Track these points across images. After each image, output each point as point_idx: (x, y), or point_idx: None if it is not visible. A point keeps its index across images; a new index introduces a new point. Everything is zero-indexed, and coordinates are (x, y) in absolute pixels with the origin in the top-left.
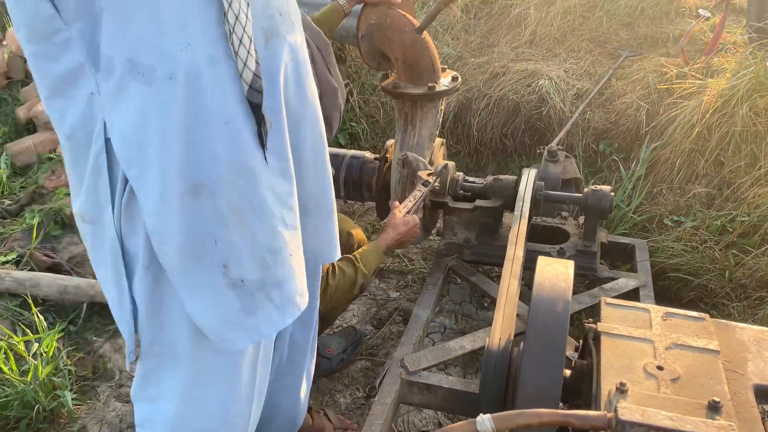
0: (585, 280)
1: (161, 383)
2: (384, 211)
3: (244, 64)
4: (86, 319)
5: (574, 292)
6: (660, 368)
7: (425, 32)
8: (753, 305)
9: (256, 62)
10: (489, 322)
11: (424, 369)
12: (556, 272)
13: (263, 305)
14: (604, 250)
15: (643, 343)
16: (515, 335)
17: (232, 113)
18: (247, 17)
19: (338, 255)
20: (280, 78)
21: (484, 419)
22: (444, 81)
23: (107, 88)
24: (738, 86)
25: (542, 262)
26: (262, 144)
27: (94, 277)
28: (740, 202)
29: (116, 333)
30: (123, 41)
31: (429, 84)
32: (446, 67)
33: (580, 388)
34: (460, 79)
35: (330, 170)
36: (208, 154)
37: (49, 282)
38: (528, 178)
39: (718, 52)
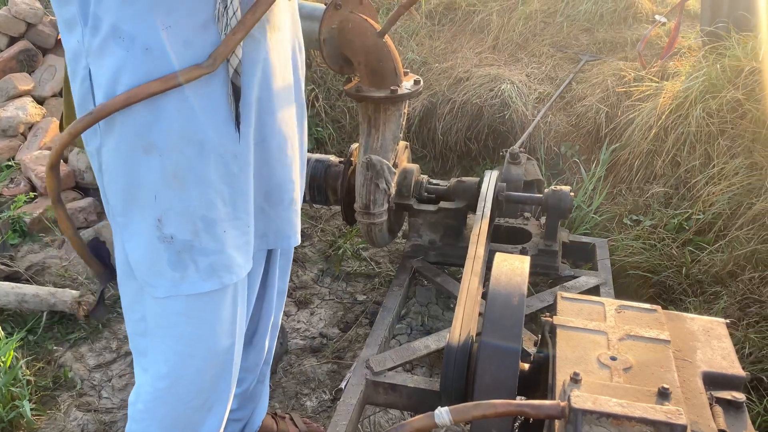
0: (548, 279)
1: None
2: (349, 214)
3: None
4: (46, 328)
5: (537, 291)
6: (613, 358)
7: (387, 36)
8: (708, 300)
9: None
10: None
11: (389, 369)
12: (512, 267)
13: (186, 266)
14: (565, 250)
15: (598, 335)
16: (478, 333)
17: (200, 90)
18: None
19: (297, 241)
20: (258, 68)
21: (442, 412)
22: (406, 84)
23: (92, 43)
24: (692, 88)
25: (499, 257)
26: (237, 124)
27: (54, 286)
28: (695, 200)
29: (77, 341)
30: (111, 8)
31: (391, 87)
32: (408, 71)
33: (539, 380)
34: (422, 82)
35: (298, 164)
36: (166, 121)
37: (6, 291)
38: (490, 180)
39: (674, 56)
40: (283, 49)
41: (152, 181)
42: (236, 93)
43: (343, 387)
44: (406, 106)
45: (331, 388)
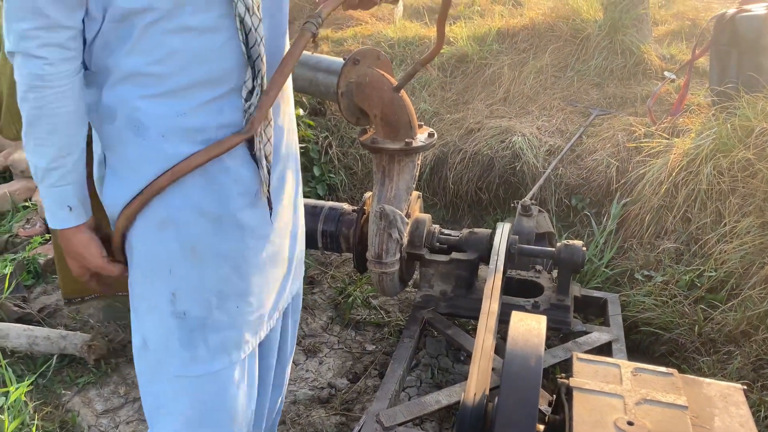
0: (559, 333)
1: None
2: (361, 262)
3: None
4: (56, 371)
5: (548, 346)
6: (630, 423)
7: (403, 90)
8: (722, 360)
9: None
10: (465, 376)
11: (399, 424)
12: (528, 328)
13: (197, 345)
14: (577, 304)
15: (614, 398)
16: (491, 389)
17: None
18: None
19: (300, 290)
20: (282, 134)
21: None
22: (420, 137)
23: (107, 131)
24: (702, 146)
25: (515, 317)
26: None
27: (65, 328)
28: (707, 257)
29: (86, 386)
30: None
31: (406, 140)
32: (423, 123)
33: None
34: (436, 135)
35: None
36: (183, 194)
37: (18, 333)
38: (502, 232)
39: (684, 113)
40: (289, 110)
41: (168, 254)
42: (257, 162)
43: None
44: (420, 157)
45: None
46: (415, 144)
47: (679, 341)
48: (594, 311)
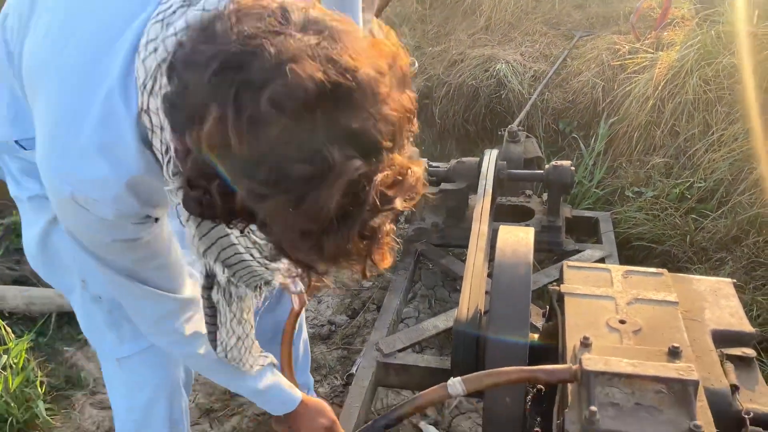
0: (552, 255)
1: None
2: None
3: None
4: (56, 329)
5: (543, 267)
6: (622, 322)
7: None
8: (714, 267)
9: None
10: None
11: (399, 350)
12: (517, 239)
13: (120, 324)
14: (569, 225)
15: (605, 300)
16: (486, 312)
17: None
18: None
19: None
20: None
21: (455, 382)
22: None
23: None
24: (687, 57)
25: (503, 230)
26: None
27: None
28: (696, 168)
29: (87, 341)
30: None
31: None
32: None
33: (549, 350)
34: (416, 64)
35: None
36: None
37: (15, 294)
38: (490, 158)
39: (667, 26)
40: None
41: (66, 242)
42: None
43: (354, 371)
44: None
45: (342, 373)
46: None
47: (672, 252)
48: (586, 231)
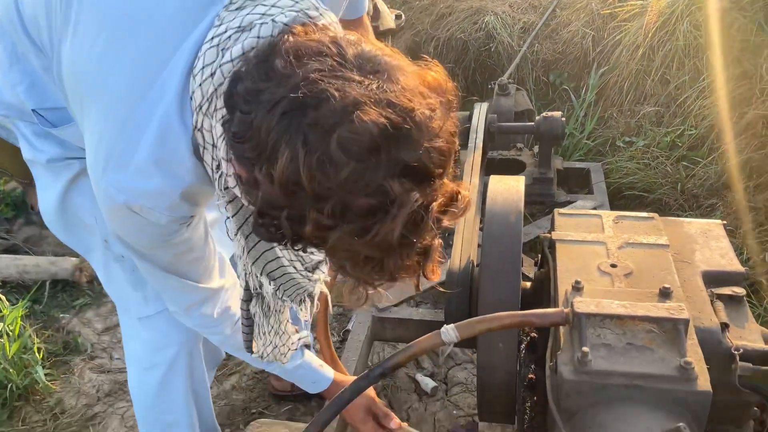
0: (544, 207)
1: None
2: None
3: None
4: (51, 297)
5: (535, 219)
6: (613, 266)
7: None
8: (705, 213)
9: None
10: None
11: (394, 305)
12: (507, 187)
13: (144, 284)
14: (560, 177)
15: (597, 245)
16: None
17: None
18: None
19: None
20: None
21: (448, 329)
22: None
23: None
24: (677, 2)
25: (493, 180)
26: None
27: (54, 255)
28: (687, 116)
29: (83, 308)
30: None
31: (372, 24)
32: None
33: (541, 298)
34: (404, 17)
35: None
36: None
37: (7, 263)
38: (480, 112)
39: None
40: None
41: (87, 203)
42: None
43: (350, 328)
44: (389, 41)
45: (338, 330)
46: (382, 28)
47: (663, 200)
48: (578, 182)
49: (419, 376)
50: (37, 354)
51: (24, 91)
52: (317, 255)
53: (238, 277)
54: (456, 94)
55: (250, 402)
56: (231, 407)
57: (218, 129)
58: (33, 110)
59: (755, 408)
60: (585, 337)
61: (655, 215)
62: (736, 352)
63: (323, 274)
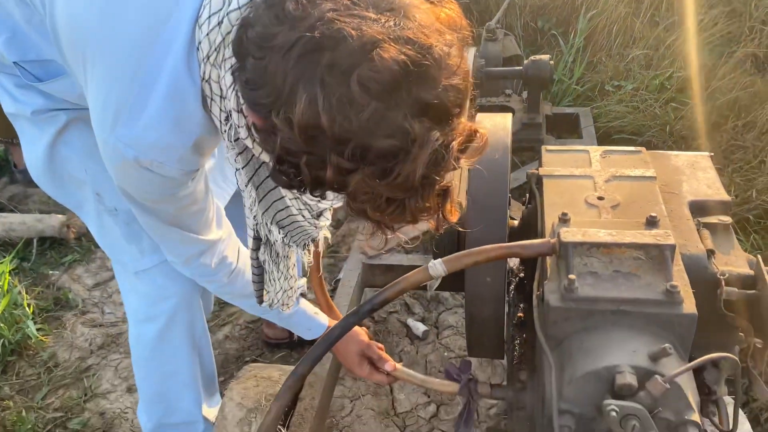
0: (533, 153)
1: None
2: None
3: None
4: (39, 254)
5: (524, 165)
6: (600, 198)
7: None
8: None
9: None
10: None
11: (384, 252)
12: (494, 123)
13: (140, 236)
14: (549, 123)
15: (584, 179)
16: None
17: None
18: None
19: None
20: None
21: (436, 263)
22: None
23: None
24: None
25: (480, 117)
26: None
27: (39, 212)
28: (676, 57)
29: (72, 264)
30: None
31: None
32: None
33: (529, 235)
34: None
35: None
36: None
37: None
38: (467, 57)
39: None
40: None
41: (76, 154)
42: None
43: (341, 277)
44: None
45: (329, 280)
46: None
47: (652, 142)
48: (567, 128)
49: (410, 321)
50: (27, 309)
51: (3, 43)
52: (324, 203)
53: (247, 227)
54: (471, 31)
55: (243, 350)
56: (224, 356)
57: (228, 79)
58: (15, 63)
59: (740, 333)
60: (572, 265)
61: (643, 149)
62: (721, 277)
63: (327, 221)
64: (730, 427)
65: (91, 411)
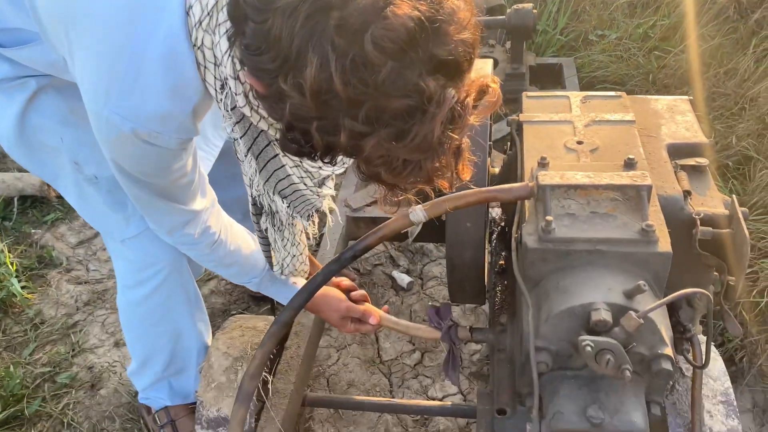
0: (518, 105)
1: None
2: None
3: None
4: (21, 213)
5: (506, 116)
6: (579, 143)
7: None
8: None
9: None
10: None
11: (367, 205)
12: (475, 68)
13: (124, 203)
14: (533, 74)
15: (564, 125)
16: None
17: None
18: None
19: None
20: None
21: (416, 209)
22: None
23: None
24: None
25: None
26: None
27: (18, 171)
28: (659, 5)
29: (55, 222)
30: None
31: None
32: None
33: (509, 181)
34: None
35: None
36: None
37: None
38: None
39: None
40: None
41: (51, 122)
42: None
43: (324, 231)
44: None
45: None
46: None
47: (635, 92)
48: (550, 78)
49: (395, 273)
50: (11, 267)
51: None
52: (325, 170)
53: (248, 196)
54: None
55: (229, 305)
56: (211, 310)
57: (223, 44)
58: None
59: (714, 272)
60: (549, 207)
61: (623, 93)
62: (696, 217)
63: (330, 189)
64: (703, 362)
65: (79, 365)
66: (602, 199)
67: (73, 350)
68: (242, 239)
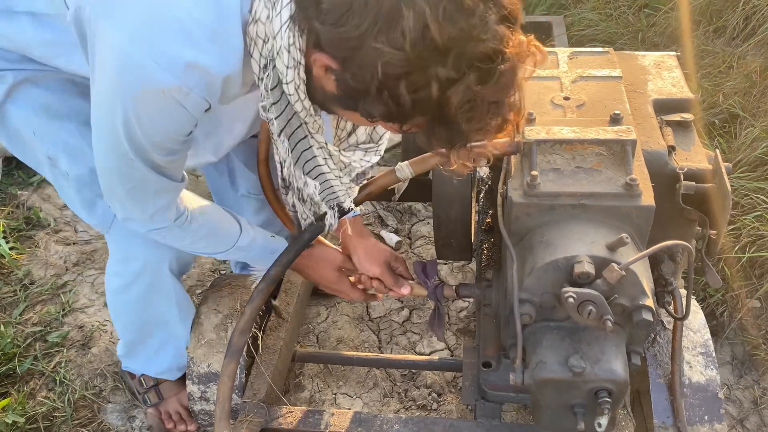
0: None
1: None
2: None
3: None
4: (6, 174)
5: None
6: (566, 98)
7: None
8: None
9: None
10: None
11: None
12: None
13: (94, 202)
14: (522, 31)
15: (551, 81)
16: None
17: None
18: None
19: None
20: None
21: (402, 165)
22: None
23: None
24: None
25: None
26: None
27: None
28: None
29: (41, 183)
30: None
31: None
32: None
33: None
34: None
35: None
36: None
37: None
38: None
39: None
40: None
41: (26, 113)
42: None
43: None
44: None
45: None
46: None
47: (624, 50)
48: (539, 37)
49: (384, 233)
50: None
51: None
52: (356, 165)
53: (278, 176)
54: None
55: (219, 264)
56: (200, 269)
57: (284, 14)
58: None
59: (697, 226)
60: (534, 162)
61: (611, 49)
62: (680, 172)
63: (357, 188)
64: (684, 314)
65: (69, 325)
66: (587, 153)
67: (64, 310)
68: (205, 205)
